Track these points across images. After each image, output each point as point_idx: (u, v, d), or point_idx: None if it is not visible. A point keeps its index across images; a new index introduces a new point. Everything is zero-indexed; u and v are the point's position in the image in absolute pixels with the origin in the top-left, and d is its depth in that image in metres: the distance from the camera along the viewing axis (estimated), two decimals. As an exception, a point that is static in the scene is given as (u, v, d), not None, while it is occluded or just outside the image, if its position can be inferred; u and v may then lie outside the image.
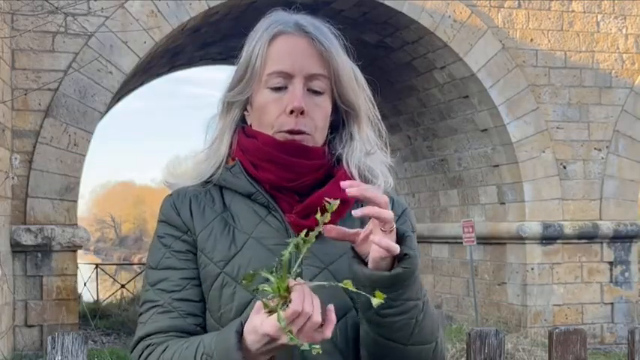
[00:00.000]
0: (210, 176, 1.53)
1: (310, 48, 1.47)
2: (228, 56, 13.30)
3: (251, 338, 1.25)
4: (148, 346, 1.43)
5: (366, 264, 1.33)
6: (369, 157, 1.53)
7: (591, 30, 11.26)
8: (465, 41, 10.66)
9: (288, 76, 1.47)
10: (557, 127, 11.04)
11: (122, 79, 9.59)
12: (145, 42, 9.53)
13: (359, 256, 1.34)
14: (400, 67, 11.79)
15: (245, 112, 1.55)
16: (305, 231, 1.28)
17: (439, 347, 1.45)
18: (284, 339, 1.21)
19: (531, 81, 10.98)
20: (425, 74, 11.63)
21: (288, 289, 1.23)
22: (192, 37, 11.18)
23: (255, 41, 1.50)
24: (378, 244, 1.27)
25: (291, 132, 1.46)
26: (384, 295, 1.25)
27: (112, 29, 9.37)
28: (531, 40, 11.04)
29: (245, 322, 1.28)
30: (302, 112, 1.45)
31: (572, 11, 11.21)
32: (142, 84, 13.93)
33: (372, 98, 1.58)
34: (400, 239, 1.33)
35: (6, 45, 8.82)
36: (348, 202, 1.44)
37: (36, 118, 9.29)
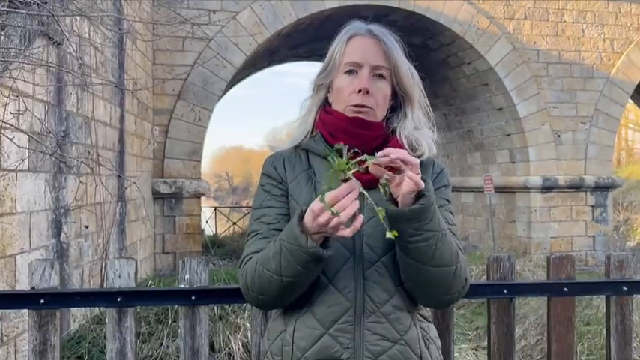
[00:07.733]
0: (300, 142, 1.70)
1: (376, 46, 1.62)
2: (312, 55, 14.13)
3: (306, 216, 1.41)
4: (249, 260, 1.58)
5: (397, 204, 1.44)
6: (418, 131, 1.65)
7: (578, 35, 11.62)
8: (485, 44, 11.09)
9: (359, 65, 1.62)
10: (553, 107, 11.46)
11: (233, 71, 10.02)
12: (250, 44, 9.98)
13: (392, 198, 1.45)
14: (438, 62, 12.18)
15: (328, 94, 1.71)
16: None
17: (459, 272, 1.50)
18: (325, 216, 1.34)
19: (534, 73, 11.33)
20: (456, 68, 12.05)
21: (345, 177, 1.35)
22: (285, 40, 11.66)
23: (337, 41, 1.67)
24: (411, 178, 1.38)
25: (357, 105, 1.60)
26: (397, 234, 1.36)
27: (227, 35, 9.87)
28: (534, 42, 11.37)
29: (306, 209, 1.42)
30: (367, 92, 1.59)
31: (564, 21, 11.59)
32: (248, 75, 14.43)
33: (424, 90, 1.70)
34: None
35: (149, 47, 9.41)
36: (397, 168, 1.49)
37: (170, 100, 9.75)
